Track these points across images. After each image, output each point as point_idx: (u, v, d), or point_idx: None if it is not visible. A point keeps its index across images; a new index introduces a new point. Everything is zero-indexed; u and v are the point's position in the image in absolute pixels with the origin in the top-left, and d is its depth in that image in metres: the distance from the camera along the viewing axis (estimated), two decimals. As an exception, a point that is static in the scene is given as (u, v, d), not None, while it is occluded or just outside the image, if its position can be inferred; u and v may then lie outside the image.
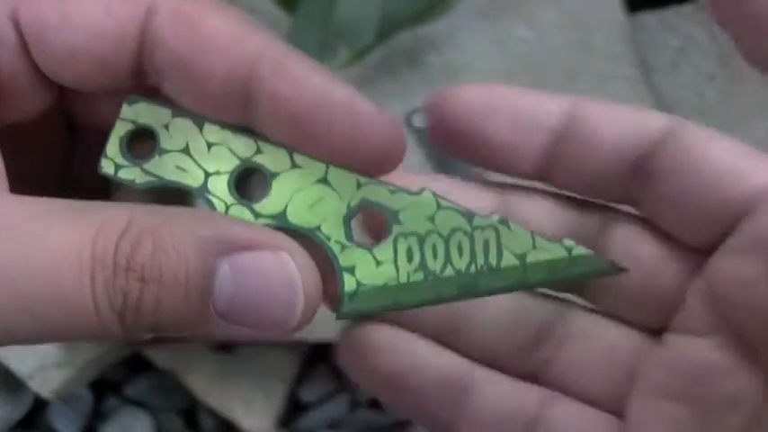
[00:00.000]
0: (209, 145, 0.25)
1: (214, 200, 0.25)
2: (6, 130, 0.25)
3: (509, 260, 0.25)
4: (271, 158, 0.25)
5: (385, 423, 0.60)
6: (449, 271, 0.25)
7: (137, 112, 0.25)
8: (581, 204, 0.27)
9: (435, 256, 0.25)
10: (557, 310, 0.28)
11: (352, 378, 0.28)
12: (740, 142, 0.25)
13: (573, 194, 0.27)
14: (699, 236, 0.25)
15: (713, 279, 0.25)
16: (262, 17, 0.61)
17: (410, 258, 0.25)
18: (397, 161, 0.25)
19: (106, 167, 0.26)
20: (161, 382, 0.61)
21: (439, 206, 0.25)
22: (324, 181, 0.25)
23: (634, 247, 0.26)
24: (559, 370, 0.28)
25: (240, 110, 0.25)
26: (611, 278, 0.26)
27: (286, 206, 0.25)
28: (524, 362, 0.28)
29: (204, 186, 0.25)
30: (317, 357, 0.62)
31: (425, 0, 0.62)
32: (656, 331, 0.27)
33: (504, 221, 0.25)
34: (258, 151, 0.25)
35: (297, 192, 0.25)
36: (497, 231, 0.25)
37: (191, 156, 0.25)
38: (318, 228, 0.25)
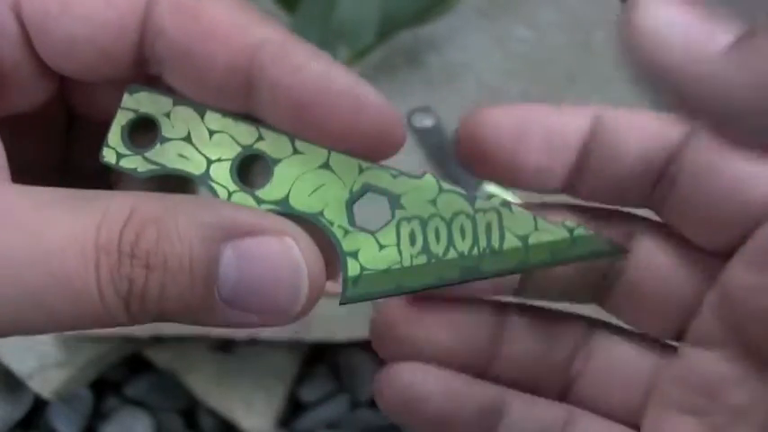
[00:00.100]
0: (211, 133, 0.25)
1: (217, 187, 0.25)
2: (7, 120, 0.25)
3: (511, 242, 0.25)
4: (272, 145, 0.25)
5: (385, 423, 0.60)
6: (451, 254, 0.25)
7: (138, 101, 0.25)
8: (606, 216, 0.27)
9: (438, 239, 0.25)
10: (584, 330, 0.28)
11: (390, 418, 0.29)
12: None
13: (597, 205, 0.27)
14: (718, 241, 0.25)
15: (725, 287, 0.25)
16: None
17: (413, 242, 0.25)
18: (397, 146, 0.25)
19: (108, 156, 0.26)
20: (161, 382, 0.61)
21: (441, 189, 0.25)
22: (326, 166, 0.25)
23: (657, 257, 0.26)
24: (583, 386, 0.28)
25: (242, 98, 0.25)
26: (633, 287, 0.26)
27: (288, 192, 0.25)
28: (554, 382, 0.28)
29: (206, 174, 0.25)
30: (317, 357, 0.63)
31: (425, 0, 0.63)
32: (675, 340, 0.27)
33: (506, 204, 0.25)
34: (260, 138, 0.25)
35: (299, 178, 0.25)
36: (499, 214, 0.25)
37: (192, 144, 0.25)
38: (321, 213, 0.25)
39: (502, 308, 0.28)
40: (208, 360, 0.60)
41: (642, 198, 0.26)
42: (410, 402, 0.28)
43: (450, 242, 0.25)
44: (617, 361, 0.28)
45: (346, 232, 0.25)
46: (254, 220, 0.23)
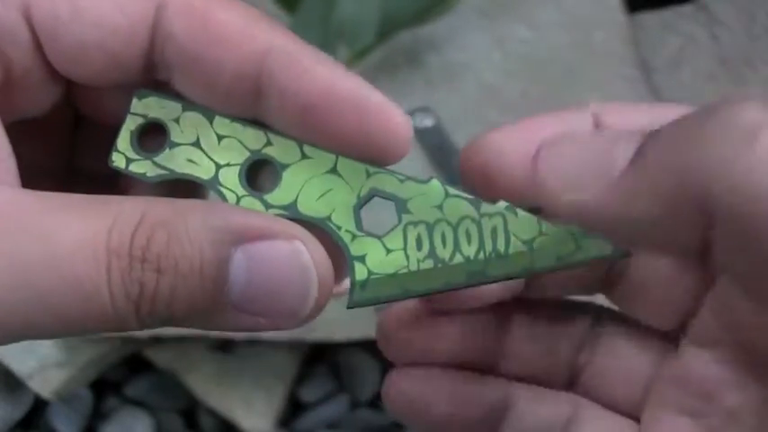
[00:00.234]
0: (220, 137, 0.25)
1: (225, 191, 0.25)
2: (14, 124, 0.25)
3: (517, 246, 0.25)
4: (281, 150, 0.25)
5: (385, 423, 0.60)
6: (458, 258, 0.25)
7: (147, 106, 0.26)
8: None
9: (444, 243, 0.25)
10: (591, 323, 0.28)
11: (398, 419, 0.29)
12: None
13: None
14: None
15: (719, 284, 0.25)
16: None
17: (420, 246, 0.25)
18: (403, 152, 0.25)
19: (117, 161, 0.26)
20: (161, 382, 0.61)
21: (447, 194, 0.26)
22: (333, 171, 0.25)
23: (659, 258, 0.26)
24: (588, 379, 0.28)
25: (250, 103, 0.25)
26: (637, 280, 0.26)
27: (297, 197, 0.25)
28: (560, 375, 0.29)
29: (215, 178, 0.25)
30: (317, 357, 0.63)
31: (425, 0, 0.63)
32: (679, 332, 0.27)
33: (511, 209, 0.25)
34: (268, 143, 0.25)
35: (307, 182, 0.25)
36: (505, 218, 0.25)
37: (201, 148, 0.25)
38: (329, 217, 0.25)
39: (507, 304, 0.28)
40: (208, 360, 0.60)
41: None
42: (417, 406, 0.28)
43: (457, 247, 0.25)
44: (621, 355, 0.28)
45: (354, 237, 0.25)
46: (263, 224, 0.23)
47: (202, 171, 0.25)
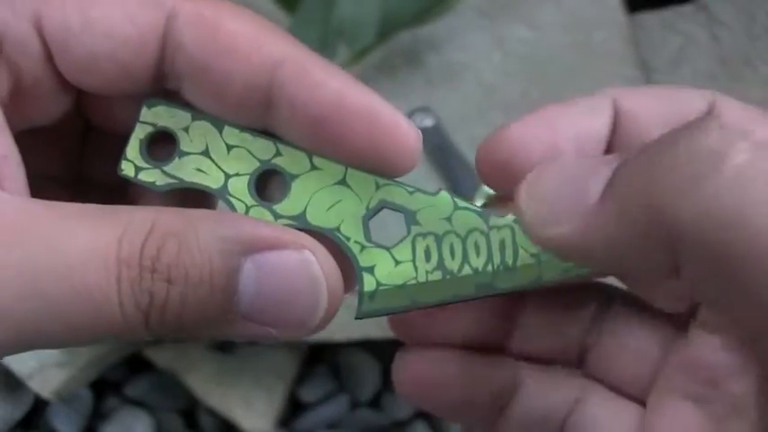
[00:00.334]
0: (229, 147, 0.25)
1: (234, 201, 0.25)
2: (24, 133, 0.25)
3: (525, 259, 0.26)
4: (290, 160, 0.25)
5: (385, 423, 0.60)
6: (466, 270, 0.25)
7: (156, 115, 0.26)
8: None
9: (453, 255, 0.26)
10: (601, 304, 0.28)
11: (407, 401, 0.29)
12: None
13: None
14: None
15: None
16: (262, 17, 0.61)
17: (428, 258, 0.26)
18: (412, 164, 0.25)
19: (126, 170, 0.26)
20: (161, 382, 0.61)
21: (456, 206, 0.26)
22: (343, 182, 0.25)
23: None
24: (596, 360, 0.28)
25: (260, 114, 0.25)
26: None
27: (306, 207, 0.25)
28: (569, 356, 0.29)
29: (224, 188, 0.25)
30: (317, 357, 0.63)
31: (425, 0, 0.62)
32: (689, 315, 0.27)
33: (519, 221, 0.25)
34: (277, 153, 0.25)
35: (316, 193, 0.25)
36: (513, 231, 0.26)
37: (211, 158, 0.25)
38: (338, 228, 0.25)
39: None
40: (208, 360, 0.60)
41: None
42: (426, 388, 0.28)
43: (465, 258, 0.25)
44: (630, 337, 0.28)
45: (362, 248, 0.25)
46: (273, 234, 0.23)
47: (211, 180, 0.25)
